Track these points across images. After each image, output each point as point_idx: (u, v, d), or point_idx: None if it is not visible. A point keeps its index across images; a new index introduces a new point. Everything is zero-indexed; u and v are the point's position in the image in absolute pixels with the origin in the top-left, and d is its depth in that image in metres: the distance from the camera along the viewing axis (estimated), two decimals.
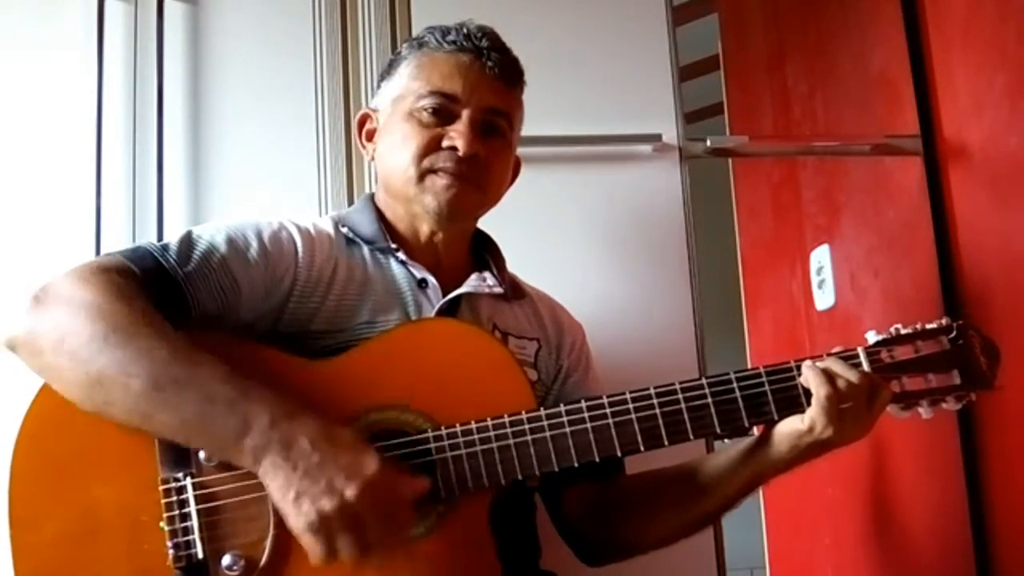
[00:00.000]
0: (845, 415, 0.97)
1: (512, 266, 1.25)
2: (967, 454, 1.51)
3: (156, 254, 0.98)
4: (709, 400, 0.99)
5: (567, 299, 1.29)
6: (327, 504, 0.83)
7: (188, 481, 0.91)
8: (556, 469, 0.97)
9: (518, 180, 1.26)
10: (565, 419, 0.97)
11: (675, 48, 1.60)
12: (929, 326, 1.04)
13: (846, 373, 0.98)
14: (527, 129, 1.21)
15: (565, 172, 1.55)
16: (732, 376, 1.00)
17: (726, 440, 1.03)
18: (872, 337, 1.04)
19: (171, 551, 0.89)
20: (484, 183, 1.13)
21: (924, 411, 1.02)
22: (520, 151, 1.23)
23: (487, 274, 1.17)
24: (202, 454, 0.91)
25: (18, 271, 1.39)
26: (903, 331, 1.04)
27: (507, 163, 1.18)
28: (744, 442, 1.06)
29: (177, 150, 1.49)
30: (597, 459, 0.97)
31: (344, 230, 1.13)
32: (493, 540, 0.96)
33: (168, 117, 1.49)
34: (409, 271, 1.12)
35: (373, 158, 1.19)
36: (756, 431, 1.05)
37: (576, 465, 0.97)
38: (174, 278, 0.97)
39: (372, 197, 1.20)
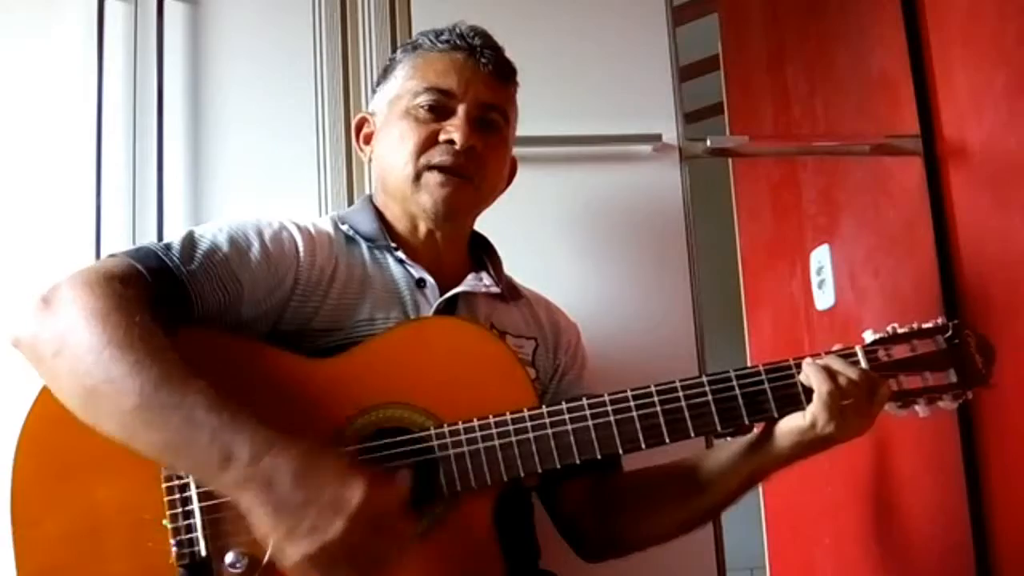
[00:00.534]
0: (846, 411, 0.97)
1: (512, 266, 1.26)
2: (967, 454, 1.50)
3: (160, 253, 0.98)
4: (710, 398, 1.00)
5: (567, 299, 1.29)
6: (314, 545, 0.81)
7: (191, 479, 0.91)
8: (558, 466, 0.97)
9: (518, 180, 1.26)
10: (567, 416, 0.98)
11: (675, 48, 1.60)
12: (925, 325, 1.05)
13: (846, 370, 0.99)
14: (527, 129, 1.21)
15: (565, 172, 1.55)
16: (732, 374, 1.01)
17: (727, 439, 1.03)
18: (869, 336, 1.05)
19: (174, 549, 0.90)
20: (480, 177, 1.14)
21: (921, 409, 1.03)
22: (520, 151, 1.23)
23: (484, 274, 1.18)
24: None
25: (18, 271, 1.39)
26: (900, 330, 1.05)
27: (503, 158, 1.19)
28: (745, 438, 1.06)
29: (177, 150, 1.49)
30: (599, 456, 0.98)
31: (344, 228, 1.14)
32: (496, 536, 0.97)
33: (168, 117, 1.49)
34: (407, 270, 1.12)
35: (371, 160, 1.20)
36: (756, 429, 1.06)
37: (578, 462, 0.97)
38: (177, 277, 0.97)
39: (370, 198, 1.21)
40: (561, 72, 1.55)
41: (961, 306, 1.53)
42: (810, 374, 0.99)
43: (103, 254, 1.20)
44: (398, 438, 0.96)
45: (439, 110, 1.12)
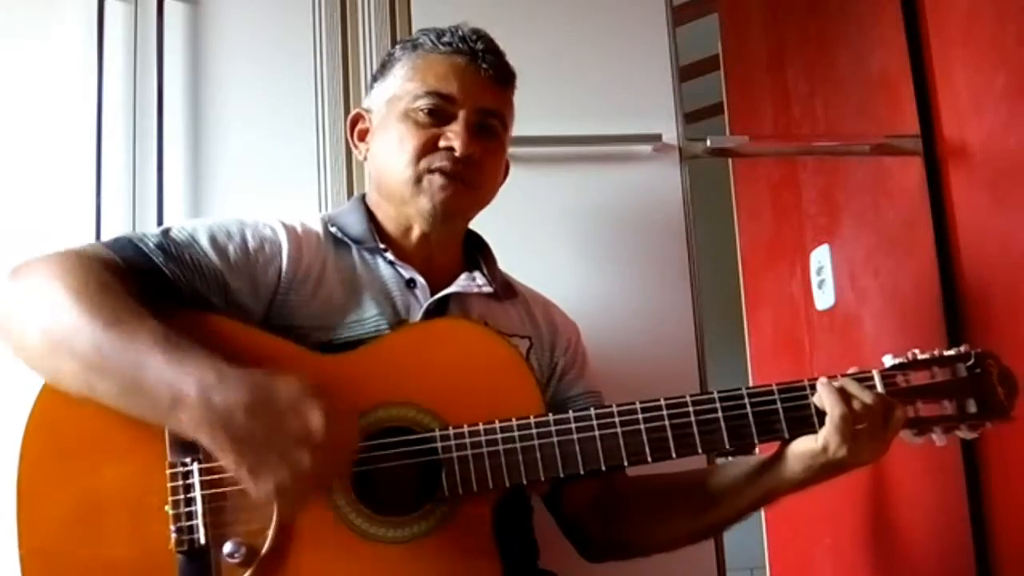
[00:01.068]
0: (860, 436, 0.96)
1: (511, 266, 1.25)
2: (967, 455, 1.50)
3: (135, 241, 0.99)
4: (720, 415, 0.98)
5: (567, 299, 1.29)
6: (283, 474, 0.82)
7: (195, 466, 0.91)
8: (561, 475, 0.97)
9: (518, 180, 1.26)
10: (573, 426, 0.98)
11: (675, 48, 1.60)
12: (947, 353, 1.02)
13: (861, 394, 0.97)
14: (527, 129, 1.21)
15: (566, 172, 1.55)
16: (744, 392, 1.00)
17: (728, 458, 1.02)
18: (888, 361, 1.02)
19: (174, 535, 0.90)
20: (478, 183, 1.14)
21: (938, 438, 1.01)
22: (520, 151, 1.23)
23: (476, 274, 1.17)
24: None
25: None
26: (920, 356, 1.02)
27: (500, 163, 1.19)
28: (757, 458, 1.05)
29: (177, 150, 1.49)
30: (603, 468, 0.97)
31: (333, 230, 1.13)
32: (495, 541, 0.96)
33: (168, 117, 1.49)
34: (397, 271, 1.12)
35: (366, 158, 1.19)
36: (759, 450, 1.05)
37: (582, 472, 0.97)
38: (155, 263, 0.98)
39: (363, 197, 1.21)
40: (561, 72, 1.55)
41: (961, 306, 1.53)
42: (824, 396, 0.97)
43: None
44: (402, 437, 0.96)
45: (439, 114, 1.11)
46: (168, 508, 0.90)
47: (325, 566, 0.92)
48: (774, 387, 1.00)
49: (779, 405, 0.99)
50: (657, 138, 1.56)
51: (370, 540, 0.94)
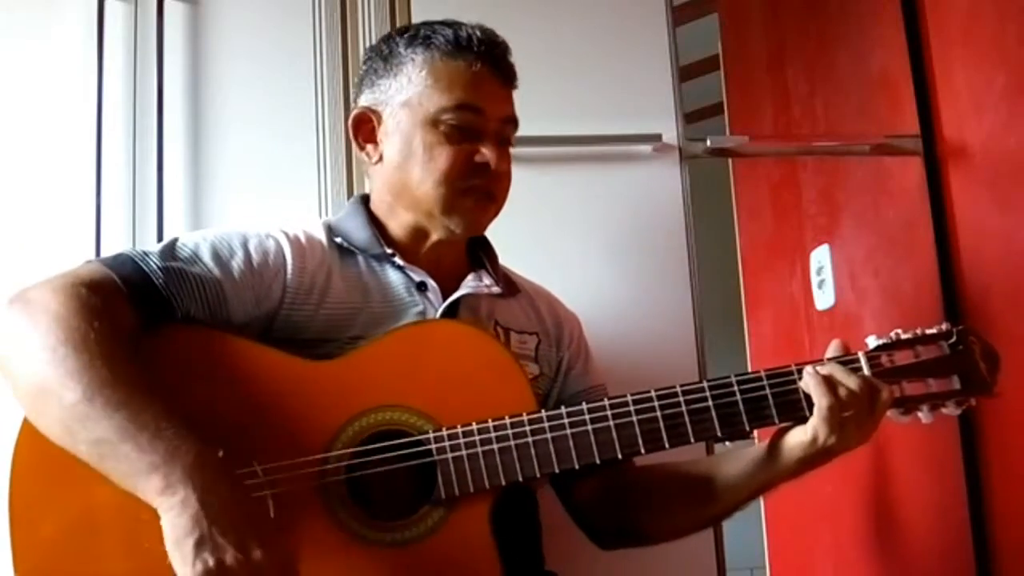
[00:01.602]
0: (847, 423, 0.97)
1: (512, 266, 1.25)
2: (967, 454, 1.50)
3: (137, 260, 0.98)
4: (710, 403, 0.99)
5: (567, 299, 1.29)
6: (231, 558, 0.80)
7: None
8: (556, 471, 0.98)
9: (519, 180, 1.25)
10: (566, 421, 0.98)
11: (675, 48, 1.60)
12: (929, 331, 1.04)
13: (846, 380, 0.98)
14: (527, 129, 1.21)
15: (565, 172, 1.55)
16: (733, 379, 1.00)
17: (727, 443, 1.03)
18: (872, 342, 1.04)
19: None
20: (504, 196, 1.14)
21: (924, 416, 1.02)
22: (520, 151, 1.23)
23: (483, 273, 1.17)
24: None
25: (19, 271, 1.39)
26: (903, 336, 1.04)
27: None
28: (753, 451, 1.06)
29: (177, 150, 1.49)
30: (598, 461, 0.98)
31: (338, 240, 1.12)
32: (494, 541, 0.96)
33: (168, 117, 1.49)
34: (407, 275, 1.11)
35: (379, 161, 1.14)
36: (755, 434, 1.06)
37: (577, 467, 0.97)
38: (154, 284, 0.96)
39: (362, 200, 1.18)
40: (561, 72, 1.55)
41: (961, 306, 1.53)
42: (811, 386, 0.98)
43: (102, 254, 1.20)
44: (396, 441, 0.96)
45: (468, 128, 1.09)
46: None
47: (324, 572, 0.92)
48: (762, 373, 1.01)
49: (768, 391, 1.00)
50: (657, 138, 1.56)
51: (368, 544, 0.94)
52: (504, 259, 1.24)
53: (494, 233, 1.24)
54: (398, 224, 1.15)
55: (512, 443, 0.96)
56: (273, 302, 1.04)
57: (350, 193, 1.50)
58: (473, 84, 1.09)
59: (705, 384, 1.00)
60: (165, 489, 0.82)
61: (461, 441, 0.96)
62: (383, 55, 1.14)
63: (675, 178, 1.56)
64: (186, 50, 1.51)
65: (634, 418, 0.98)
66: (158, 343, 0.96)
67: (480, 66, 1.09)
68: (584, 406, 0.99)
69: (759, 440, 1.11)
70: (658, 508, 1.14)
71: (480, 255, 1.21)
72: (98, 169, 1.45)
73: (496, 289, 1.16)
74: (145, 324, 0.95)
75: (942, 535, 1.56)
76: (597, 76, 1.58)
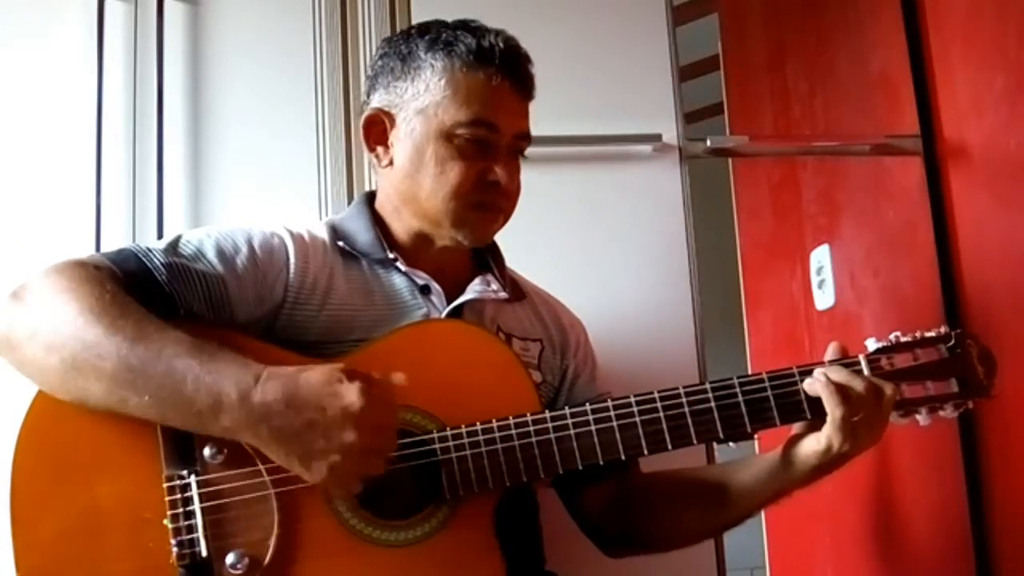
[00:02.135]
0: (858, 427, 0.97)
1: (512, 266, 1.25)
2: (967, 454, 1.50)
3: (140, 255, 0.98)
4: (712, 404, 0.99)
5: (567, 299, 1.29)
6: (334, 457, 0.85)
7: (192, 479, 0.91)
8: (560, 471, 0.98)
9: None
10: (570, 422, 0.98)
11: (675, 48, 1.60)
12: (928, 334, 1.04)
13: (853, 383, 0.98)
14: None
15: (565, 172, 1.55)
16: (735, 381, 1.00)
17: (730, 444, 1.03)
18: (872, 344, 1.04)
19: (175, 549, 0.89)
20: (513, 209, 1.14)
21: (922, 418, 1.03)
22: None
23: (490, 277, 1.16)
24: (207, 451, 0.91)
25: (18, 271, 1.38)
26: (902, 339, 1.04)
27: None
28: (766, 460, 1.06)
29: (177, 150, 1.49)
30: (601, 462, 0.98)
31: (341, 244, 1.11)
32: (497, 540, 0.97)
33: (168, 117, 1.49)
34: (411, 279, 1.10)
35: (388, 164, 1.12)
36: (756, 436, 1.06)
37: (580, 467, 0.97)
38: (158, 280, 0.96)
39: (367, 200, 1.17)
40: (561, 72, 1.55)
41: (961, 306, 1.53)
42: (823, 395, 0.97)
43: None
44: (401, 441, 0.95)
45: (483, 143, 1.07)
46: (167, 521, 0.90)
47: (328, 572, 0.92)
48: (764, 375, 1.01)
49: (770, 393, 1.00)
50: (657, 138, 1.56)
51: (372, 544, 0.94)
52: (505, 259, 1.24)
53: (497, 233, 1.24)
54: (403, 227, 1.14)
55: (516, 443, 0.96)
56: (275, 301, 1.03)
57: (350, 193, 1.50)
58: (492, 100, 1.07)
59: (708, 385, 1.00)
60: (236, 434, 0.87)
61: (465, 441, 0.96)
62: (401, 55, 1.11)
63: (675, 178, 1.57)
64: (186, 50, 1.51)
65: (637, 419, 0.98)
66: None
67: (500, 80, 1.07)
68: (588, 407, 0.99)
69: (759, 441, 1.11)
70: (668, 516, 1.14)
71: (486, 258, 1.20)
72: (98, 169, 1.45)
73: (503, 294, 1.15)
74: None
75: (942, 535, 1.56)
76: (597, 76, 1.58)
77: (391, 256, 1.10)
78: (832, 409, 0.97)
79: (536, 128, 1.15)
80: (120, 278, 0.94)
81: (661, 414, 0.99)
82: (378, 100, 1.13)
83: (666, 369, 1.48)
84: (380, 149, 1.13)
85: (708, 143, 1.60)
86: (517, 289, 1.22)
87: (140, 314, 0.89)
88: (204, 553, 0.89)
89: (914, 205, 1.61)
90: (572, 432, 0.97)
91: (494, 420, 0.97)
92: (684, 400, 0.99)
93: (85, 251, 1.36)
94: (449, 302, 1.10)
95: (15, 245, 1.42)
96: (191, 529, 0.90)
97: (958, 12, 1.54)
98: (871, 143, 1.66)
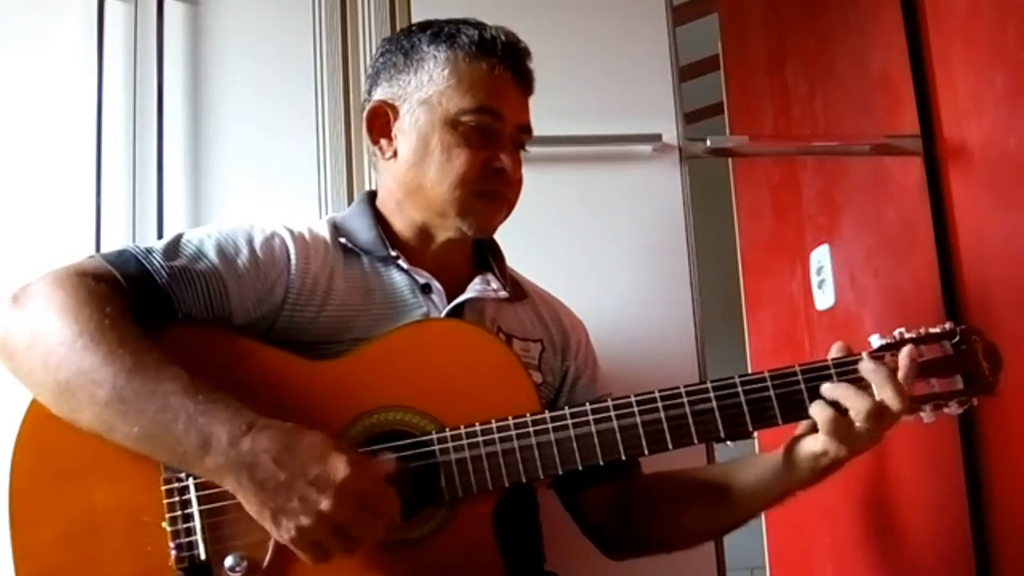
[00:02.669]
0: (854, 432, 0.96)
1: (513, 266, 1.25)
2: (967, 454, 1.50)
3: (140, 257, 0.97)
4: (714, 404, 0.98)
5: (567, 299, 1.29)
6: (305, 520, 0.83)
7: (191, 481, 0.90)
8: (560, 472, 0.97)
9: None
10: (570, 422, 0.97)
11: (675, 48, 1.60)
12: (932, 330, 1.03)
13: (855, 404, 0.95)
14: None
15: (565, 172, 1.55)
16: (736, 380, 1.00)
17: (729, 444, 1.02)
18: (876, 341, 1.03)
19: (173, 552, 0.89)
20: (516, 200, 1.14)
21: (926, 416, 1.01)
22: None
23: (490, 276, 1.16)
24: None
25: (18, 271, 1.38)
26: (907, 335, 1.03)
27: None
28: (767, 462, 1.05)
29: (177, 150, 1.49)
30: (601, 462, 0.97)
31: (343, 241, 1.11)
32: (496, 541, 0.96)
33: (168, 117, 1.49)
34: (412, 277, 1.10)
35: (392, 157, 1.12)
36: (756, 434, 1.05)
37: (580, 469, 0.97)
38: (158, 283, 0.96)
39: (369, 198, 1.17)
40: (561, 72, 1.55)
41: (961, 306, 1.53)
42: (814, 413, 0.97)
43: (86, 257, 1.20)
44: (399, 442, 0.96)
45: (486, 131, 1.08)
46: (166, 525, 0.90)
47: (327, 572, 0.91)
48: (766, 374, 1.00)
49: (772, 392, 0.99)
50: (657, 138, 1.56)
51: (371, 545, 0.93)
52: (504, 257, 1.24)
53: (500, 226, 1.24)
54: (405, 223, 1.14)
55: (515, 444, 0.96)
56: (275, 302, 1.03)
57: (350, 192, 1.50)
58: (495, 88, 1.08)
59: (709, 385, 0.99)
60: (217, 477, 0.85)
61: (464, 442, 0.96)
62: (404, 49, 1.12)
63: (675, 178, 1.57)
64: (186, 50, 1.51)
65: (638, 419, 0.98)
66: (161, 343, 0.95)
67: (502, 70, 1.09)
68: (588, 407, 0.98)
69: (758, 438, 1.11)
70: (670, 517, 1.14)
71: (487, 257, 1.20)
72: (98, 169, 1.45)
73: (503, 293, 1.15)
74: (145, 322, 0.94)
75: (942, 535, 1.56)
76: (597, 76, 1.58)
77: (393, 254, 1.10)
78: (822, 424, 0.96)
79: (536, 128, 1.15)
80: (122, 287, 0.93)
81: (662, 414, 0.98)
82: (381, 93, 1.13)
83: (666, 369, 1.48)
84: (384, 142, 1.13)
85: (708, 143, 1.60)
86: (518, 289, 1.21)
87: (139, 343, 0.89)
88: (203, 556, 0.89)
89: (914, 205, 1.61)
90: (572, 432, 0.97)
91: (493, 421, 0.96)
92: (685, 399, 0.98)
93: (85, 251, 1.38)
94: (450, 301, 1.10)
95: (15, 245, 1.42)
96: (190, 532, 0.90)
97: (958, 12, 1.54)
98: (871, 143, 1.66)
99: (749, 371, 1.01)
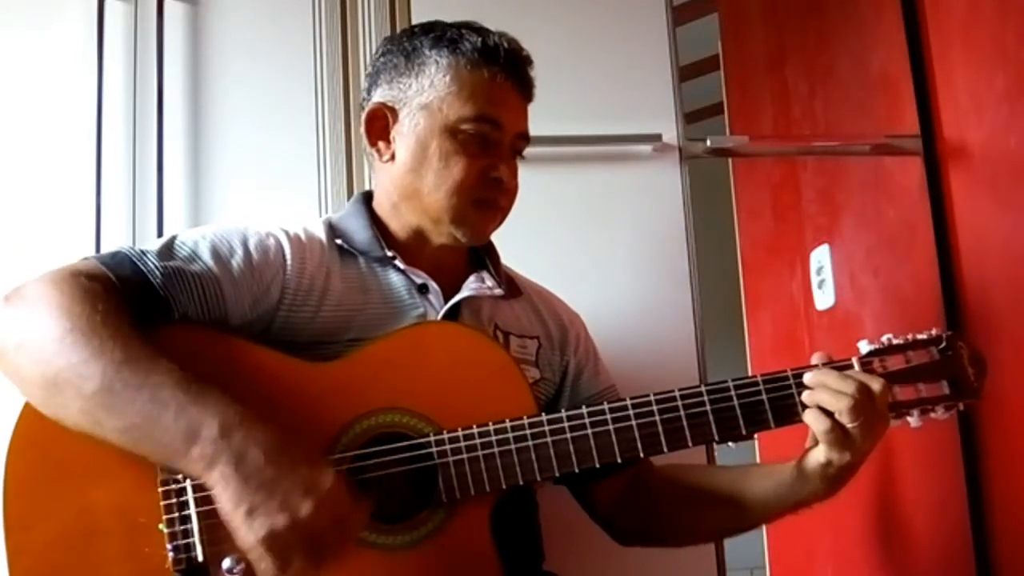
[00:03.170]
0: (853, 433, 0.96)
1: (511, 265, 1.25)
2: (967, 454, 1.51)
3: (134, 259, 0.97)
4: (708, 408, 0.99)
5: (567, 299, 1.29)
6: (281, 521, 0.82)
7: (188, 483, 0.90)
8: (557, 474, 0.98)
9: (519, 179, 1.26)
10: (566, 425, 0.98)
11: (675, 48, 1.60)
12: (919, 336, 1.05)
13: (841, 387, 0.96)
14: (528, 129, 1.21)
15: (565, 172, 1.55)
16: (730, 384, 1.01)
17: (729, 444, 1.03)
18: (864, 347, 1.04)
19: (171, 553, 0.89)
20: (510, 208, 1.14)
21: (913, 420, 1.03)
22: None
23: (485, 274, 1.16)
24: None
25: (18, 271, 1.38)
26: (895, 341, 1.04)
27: None
28: (783, 471, 1.05)
29: (177, 150, 1.49)
30: (597, 464, 0.98)
31: (339, 241, 1.11)
32: (494, 544, 0.97)
33: (168, 117, 1.49)
34: (409, 278, 1.10)
35: (390, 160, 1.12)
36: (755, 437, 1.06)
37: (576, 471, 0.97)
38: (153, 284, 0.95)
39: (364, 199, 1.17)
40: (561, 72, 1.55)
41: (961, 306, 1.53)
42: (808, 419, 0.97)
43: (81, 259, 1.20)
44: (396, 444, 0.96)
45: (486, 139, 1.08)
46: (163, 526, 0.89)
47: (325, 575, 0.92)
48: (759, 378, 1.01)
49: (764, 396, 1.00)
50: (657, 138, 1.56)
51: (369, 548, 0.93)
52: (504, 259, 1.24)
53: (494, 233, 1.24)
54: (400, 225, 1.14)
55: (512, 446, 0.96)
56: (271, 303, 1.03)
57: (350, 192, 1.50)
58: (496, 97, 1.08)
59: (703, 389, 1.00)
60: (202, 468, 0.83)
61: (462, 444, 0.96)
62: (405, 51, 1.12)
63: (675, 178, 1.57)
64: (186, 50, 1.52)
65: (633, 422, 0.99)
66: (156, 343, 0.95)
67: (504, 78, 1.09)
68: (584, 410, 0.99)
69: (757, 439, 1.11)
70: (686, 515, 1.14)
71: (481, 255, 1.20)
72: (98, 169, 1.45)
73: (498, 291, 1.15)
74: (141, 323, 0.93)
75: (942, 535, 1.56)
76: (597, 76, 1.58)
77: (389, 254, 1.10)
78: (815, 426, 0.96)
79: (536, 128, 1.15)
80: (116, 287, 0.93)
81: (657, 418, 0.99)
82: (380, 95, 1.13)
83: (666, 369, 1.48)
84: (381, 144, 1.13)
85: (708, 143, 1.60)
86: (513, 286, 1.21)
87: (131, 338, 0.88)
88: (200, 557, 0.89)
89: (914, 205, 1.61)
90: (568, 436, 0.97)
91: (490, 423, 0.97)
92: (680, 403, 0.99)
93: (85, 252, 1.38)
94: (446, 300, 1.10)
95: (15, 245, 1.42)
96: (187, 534, 0.89)
97: (958, 12, 1.54)
98: (871, 143, 1.66)
99: (749, 371, 1.02)
